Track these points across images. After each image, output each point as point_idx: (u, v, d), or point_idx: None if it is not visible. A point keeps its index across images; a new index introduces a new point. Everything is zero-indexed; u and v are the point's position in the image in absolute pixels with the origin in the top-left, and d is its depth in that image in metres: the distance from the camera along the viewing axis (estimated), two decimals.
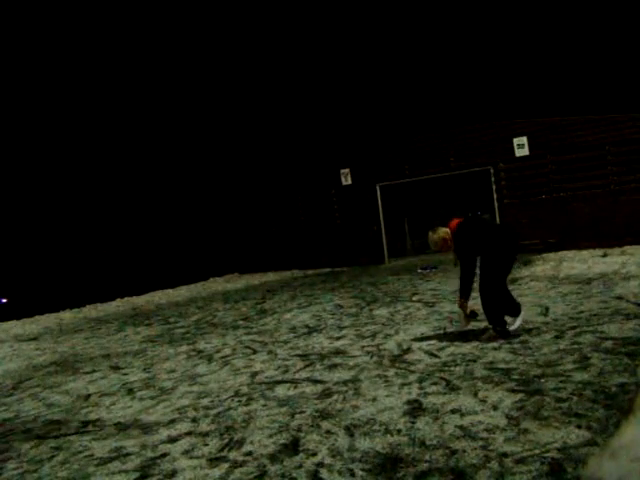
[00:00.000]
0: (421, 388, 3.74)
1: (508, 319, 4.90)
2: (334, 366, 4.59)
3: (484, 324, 5.11)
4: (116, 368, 5.72)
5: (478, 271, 4.83)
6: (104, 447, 3.40)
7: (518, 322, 4.89)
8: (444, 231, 4.89)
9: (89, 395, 4.75)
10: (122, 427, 3.74)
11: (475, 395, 3.46)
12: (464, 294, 4.81)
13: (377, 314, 6.97)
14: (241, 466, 2.86)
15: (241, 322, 7.73)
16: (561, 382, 3.49)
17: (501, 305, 4.80)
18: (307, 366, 4.71)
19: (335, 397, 3.77)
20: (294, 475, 2.68)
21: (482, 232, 4.85)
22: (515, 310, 4.88)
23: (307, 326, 6.72)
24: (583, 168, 12.39)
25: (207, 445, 3.21)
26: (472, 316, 5.02)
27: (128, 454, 3.23)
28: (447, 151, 13.96)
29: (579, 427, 2.77)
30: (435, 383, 3.80)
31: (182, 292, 13.59)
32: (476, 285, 4.86)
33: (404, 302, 7.68)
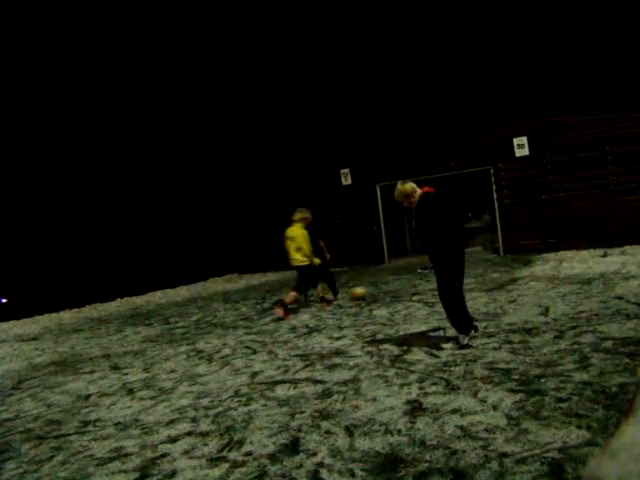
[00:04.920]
0: (421, 388, 3.73)
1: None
2: (334, 366, 4.58)
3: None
4: (116, 368, 5.71)
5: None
6: (104, 447, 3.40)
7: (466, 340, 4.66)
8: (412, 187, 4.83)
9: (89, 395, 4.74)
10: (122, 427, 3.74)
11: (475, 395, 3.45)
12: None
13: (377, 314, 6.97)
14: (241, 466, 2.86)
15: (241, 322, 7.73)
16: (561, 382, 3.49)
17: (462, 310, 4.66)
18: (307, 366, 4.70)
19: (335, 397, 3.76)
20: (294, 475, 2.68)
21: (441, 213, 4.64)
22: (466, 327, 4.67)
23: (307, 326, 6.72)
24: (583, 168, 12.39)
25: (207, 445, 3.21)
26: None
27: (128, 454, 3.23)
28: (447, 151, 13.96)
29: (579, 427, 2.77)
30: (435, 383, 3.80)
31: (182, 292, 13.59)
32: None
33: (404, 302, 7.68)
